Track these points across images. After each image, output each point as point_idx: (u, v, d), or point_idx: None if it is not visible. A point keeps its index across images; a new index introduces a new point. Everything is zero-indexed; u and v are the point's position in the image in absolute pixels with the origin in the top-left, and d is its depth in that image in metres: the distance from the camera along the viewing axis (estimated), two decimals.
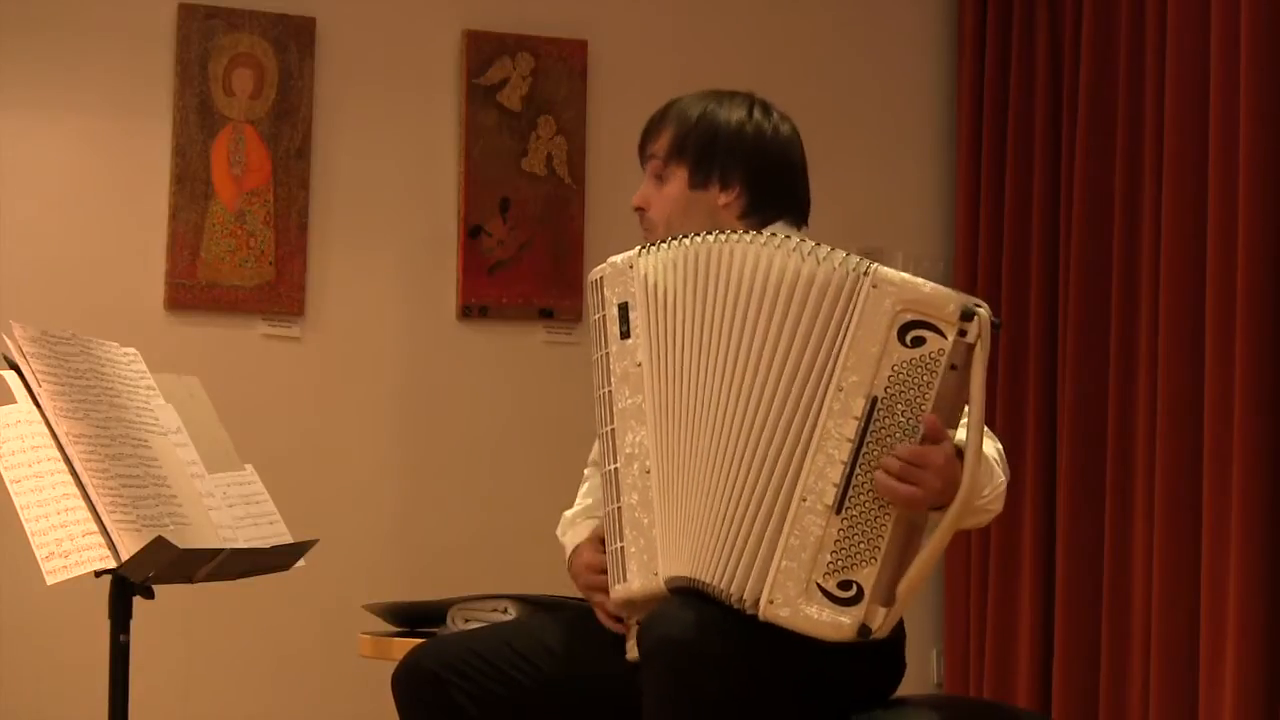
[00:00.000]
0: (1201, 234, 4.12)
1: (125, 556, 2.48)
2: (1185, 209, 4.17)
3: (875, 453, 2.33)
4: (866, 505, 2.33)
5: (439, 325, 4.65)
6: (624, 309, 2.49)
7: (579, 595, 2.73)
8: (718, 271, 2.44)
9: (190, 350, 4.31)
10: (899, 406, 2.33)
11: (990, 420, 4.65)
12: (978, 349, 2.33)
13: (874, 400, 2.33)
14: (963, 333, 2.32)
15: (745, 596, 2.33)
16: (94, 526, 2.49)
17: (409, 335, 4.63)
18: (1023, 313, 4.72)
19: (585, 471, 2.86)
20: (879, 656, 2.51)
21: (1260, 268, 3.94)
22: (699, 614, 2.34)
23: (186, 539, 2.59)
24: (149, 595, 2.58)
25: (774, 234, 2.45)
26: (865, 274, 2.35)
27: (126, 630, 2.58)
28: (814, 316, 2.37)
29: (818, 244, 2.41)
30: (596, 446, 2.63)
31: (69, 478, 2.52)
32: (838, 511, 2.32)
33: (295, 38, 4.55)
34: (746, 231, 2.47)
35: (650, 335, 2.47)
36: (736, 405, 2.39)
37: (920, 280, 2.35)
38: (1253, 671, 3.86)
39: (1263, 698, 3.87)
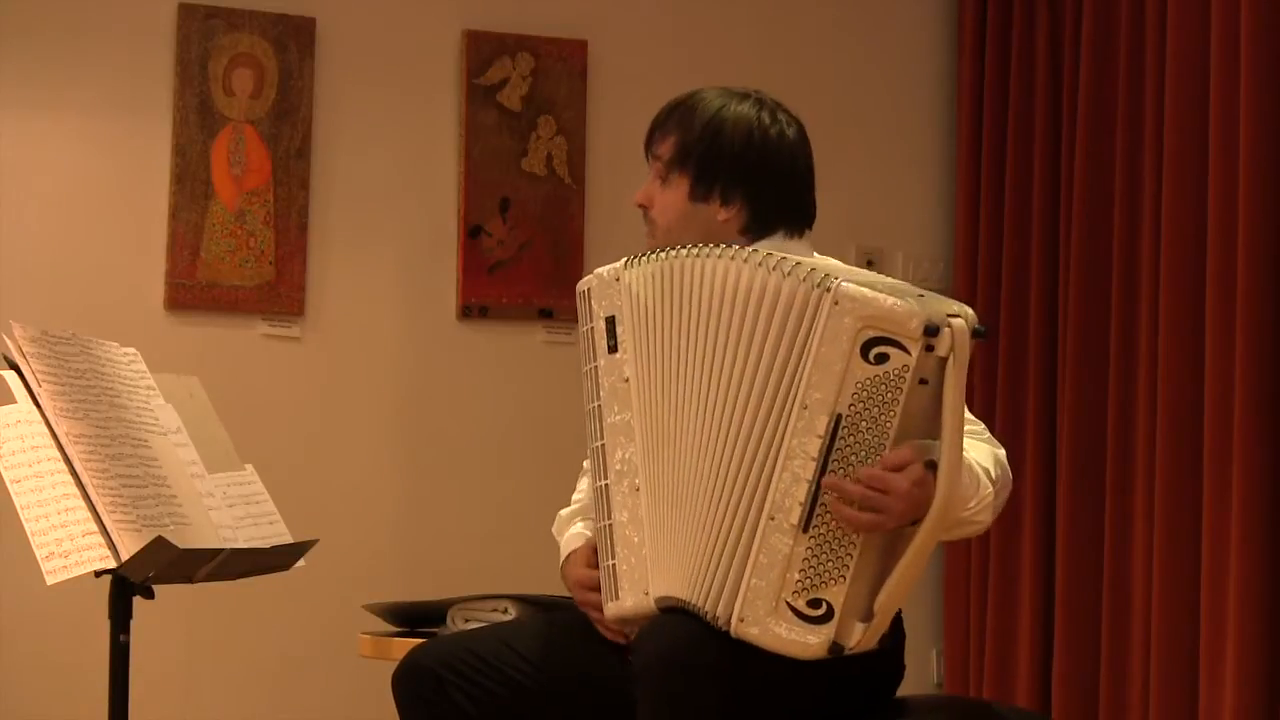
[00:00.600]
0: (1201, 234, 4.12)
1: (125, 556, 2.48)
2: (1185, 209, 4.17)
3: (840, 471, 2.31)
4: (834, 523, 2.32)
5: (439, 325, 4.65)
6: (611, 322, 2.49)
7: None
8: (690, 287, 2.43)
9: (190, 350, 4.31)
10: (863, 424, 2.31)
11: (990, 421, 4.68)
12: (951, 362, 2.29)
13: (838, 418, 2.30)
14: (930, 347, 2.28)
15: (719, 615, 2.34)
16: (94, 526, 2.49)
17: (409, 335, 4.63)
18: (1023, 313, 4.72)
19: (585, 464, 2.85)
20: (877, 660, 2.51)
21: (1260, 268, 3.94)
22: (691, 629, 2.34)
23: (186, 539, 2.59)
24: (149, 595, 2.58)
25: (745, 247, 2.43)
26: (827, 290, 2.32)
27: (126, 630, 2.58)
28: (780, 333, 2.35)
29: (784, 257, 2.38)
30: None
31: (69, 478, 2.52)
32: (804, 530, 2.31)
33: (295, 38, 4.55)
34: (730, 246, 2.44)
35: (636, 350, 2.47)
36: (709, 423, 2.39)
37: (882, 295, 2.30)
38: (1253, 671, 3.86)
39: (1263, 698, 3.87)
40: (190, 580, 2.67)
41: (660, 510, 2.42)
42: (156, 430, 2.74)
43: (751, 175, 2.63)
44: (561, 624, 2.69)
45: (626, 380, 2.46)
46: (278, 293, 4.50)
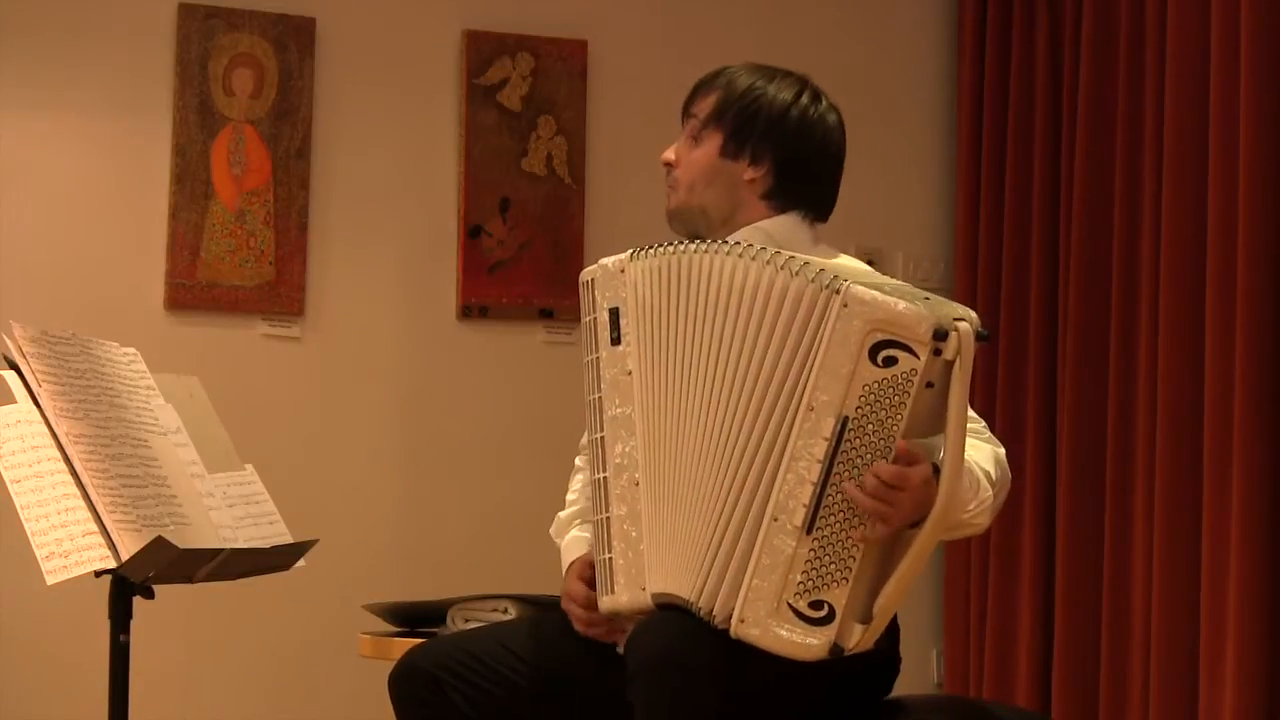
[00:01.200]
0: (1201, 234, 4.12)
1: (125, 556, 2.48)
2: (1185, 209, 4.17)
3: (845, 473, 2.31)
4: (837, 525, 2.31)
5: (439, 325, 4.65)
6: (614, 314, 2.49)
7: None
8: (697, 282, 2.42)
9: (190, 350, 4.31)
10: (870, 427, 2.30)
11: (990, 421, 4.66)
12: (957, 366, 2.29)
13: (844, 420, 2.30)
14: (937, 351, 2.28)
15: (717, 614, 2.33)
16: (94, 526, 2.49)
17: (409, 335, 4.63)
18: (1023, 313, 4.72)
19: (576, 461, 2.84)
20: (873, 658, 2.51)
21: (1260, 268, 3.94)
22: (685, 627, 2.34)
23: (186, 539, 2.59)
24: (149, 595, 2.58)
25: (749, 244, 2.43)
26: (836, 292, 2.31)
27: (126, 630, 2.58)
28: (785, 333, 2.35)
29: (793, 256, 2.38)
30: (586, 435, 2.62)
31: (69, 478, 2.52)
32: (808, 532, 2.31)
33: (295, 38, 4.55)
34: (738, 244, 2.45)
35: (640, 344, 2.46)
36: (713, 421, 2.38)
37: (892, 299, 2.30)
38: (1253, 671, 3.86)
39: (1263, 698, 3.87)
40: (190, 580, 2.67)
41: (660, 507, 2.42)
42: (156, 430, 2.74)
43: (786, 141, 2.64)
44: (558, 624, 2.69)
45: (629, 373, 2.46)
46: (278, 293, 4.50)
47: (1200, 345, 4.09)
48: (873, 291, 2.31)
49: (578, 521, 2.75)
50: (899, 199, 5.04)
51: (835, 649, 2.31)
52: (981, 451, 2.50)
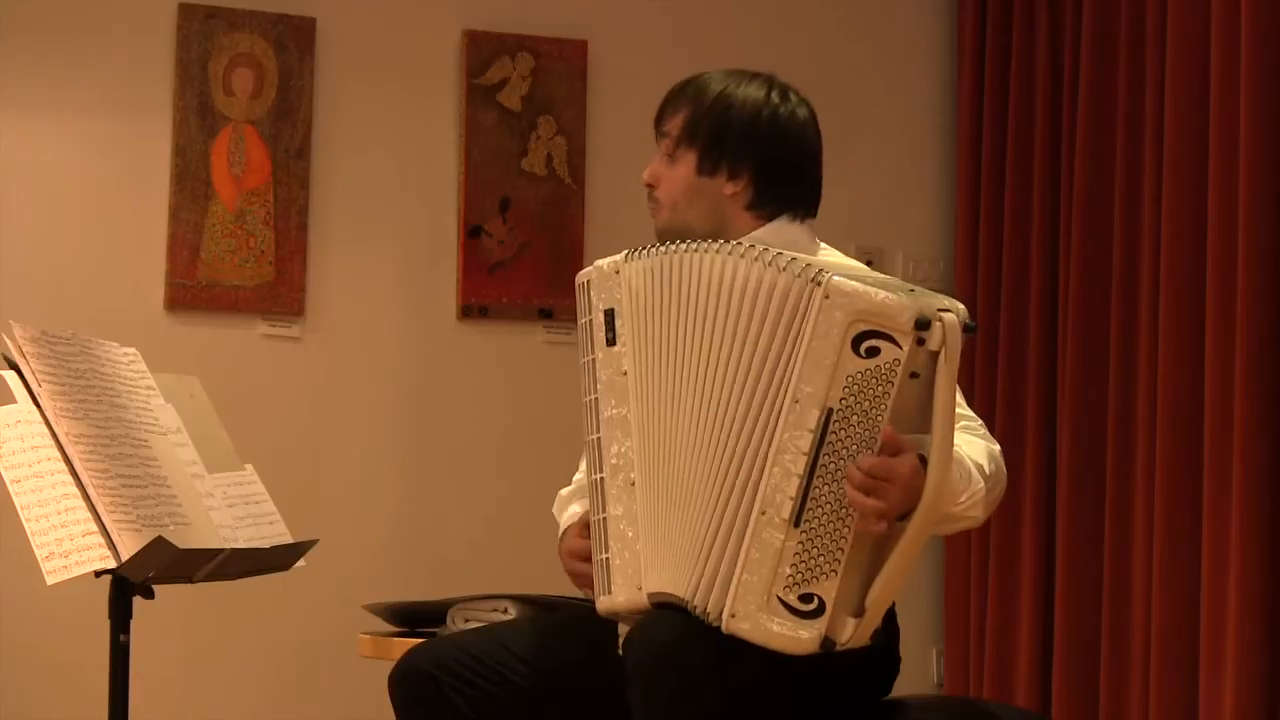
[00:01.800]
0: (1201, 234, 4.12)
1: (125, 556, 2.48)
2: (1185, 209, 4.17)
3: (831, 465, 2.31)
4: (825, 518, 2.31)
5: (439, 325, 4.65)
6: (610, 315, 2.49)
7: (578, 595, 2.74)
8: (686, 281, 2.43)
9: (190, 350, 4.31)
10: (854, 418, 2.31)
11: (990, 421, 4.67)
12: (942, 356, 2.29)
13: (829, 412, 2.31)
14: (921, 341, 2.28)
15: (710, 611, 2.34)
16: (94, 526, 2.49)
17: (409, 335, 4.63)
18: (1023, 313, 4.72)
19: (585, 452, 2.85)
20: (871, 655, 2.51)
21: (1260, 268, 3.94)
22: (682, 626, 2.34)
23: (186, 539, 2.59)
24: (149, 595, 2.59)
25: (744, 238, 2.44)
26: (818, 284, 2.32)
27: (126, 630, 2.58)
28: (773, 326, 2.35)
29: (780, 252, 2.38)
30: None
31: (69, 478, 2.52)
32: (796, 524, 2.31)
33: (295, 38, 4.54)
34: (726, 242, 2.45)
35: (635, 344, 2.47)
36: (703, 418, 2.39)
37: (874, 289, 2.31)
38: (1253, 672, 3.86)
39: (1263, 698, 3.87)
40: (190, 580, 2.67)
41: (655, 506, 2.42)
42: (156, 430, 2.74)
43: (761, 149, 2.63)
44: (558, 624, 2.69)
45: (624, 374, 2.47)
46: (278, 293, 4.50)
47: (1200, 345, 4.09)
48: (854, 283, 2.32)
49: (578, 499, 2.75)
50: (899, 199, 5.04)
51: (827, 642, 2.31)
52: (975, 446, 2.50)
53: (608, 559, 2.45)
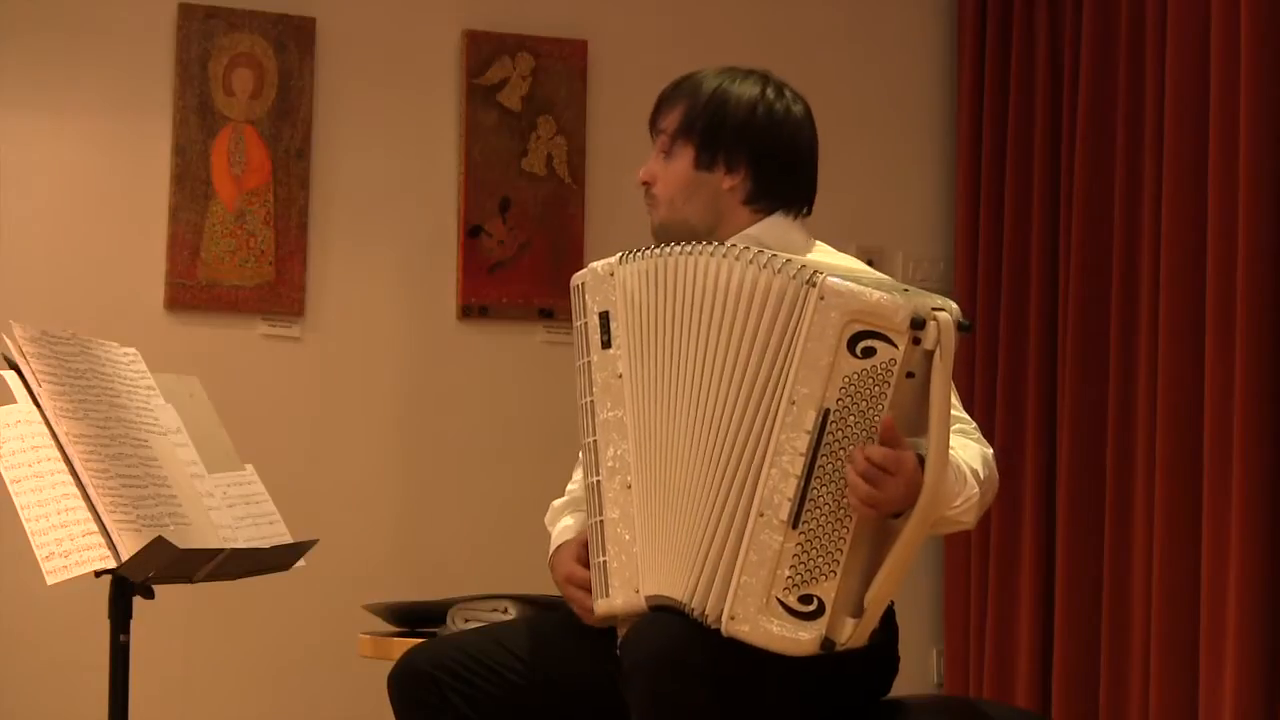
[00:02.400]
0: (1201, 234, 4.12)
1: (125, 556, 2.48)
2: (1185, 209, 4.17)
3: (829, 466, 2.31)
4: (823, 519, 2.32)
5: (439, 325, 4.65)
6: (605, 318, 2.50)
7: None
8: (681, 284, 2.43)
9: (190, 350, 4.31)
10: (851, 418, 2.31)
11: (990, 421, 4.69)
12: (937, 355, 2.30)
13: (825, 412, 2.31)
14: (916, 340, 2.29)
15: (709, 613, 2.34)
16: (94, 526, 2.49)
17: (409, 335, 4.63)
18: (1023, 314, 4.72)
19: (581, 455, 2.85)
20: (870, 655, 2.51)
21: (1260, 268, 3.94)
22: (679, 627, 2.35)
23: (186, 539, 2.59)
24: (149, 595, 2.58)
25: (735, 244, 2.44)
26: (812, 285, 2.32)
27: (126, 630, 2.58)
28: (769, 328, 2.35)
29: (774, 254, 2.39)
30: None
31: (69, 478, 2.52)
32: (794, 526, 2.31)
33: (295, 38, 4.55)
34: (721, 244, 2.45)
35: (630, 347, 2.47)
36: (699, 421, 2.39)
37: (868, 290, 2.31)
38: (1253, 671, 3.86)
39: (1263, 698, 3.87)
40: (190, 580, 2.67)
41: (652, 508, 2.42)
42: (156, 430, 2.74)
43: (757, 143, 2.64)
44: (557, 624, 2.69)
45: (620, 376, 2.47)
46: (278, 293, 4.50)
47: (1200, 345, 4.09)
48: (848, 283, 2.32)
49: (569, 510, 2.75)
50: (899, 199, 5.04)
51: (826, 643, 2.31)
52: (969, 450, 2.49)
53: (605, 562, 2.45)
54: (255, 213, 4.49)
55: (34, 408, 2.57)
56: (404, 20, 4.66)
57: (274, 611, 4.35)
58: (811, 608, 2.31)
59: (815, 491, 2.31)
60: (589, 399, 2.49)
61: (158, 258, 4.42)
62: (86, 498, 2.51)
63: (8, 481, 2.51)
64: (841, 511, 2.32)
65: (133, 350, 2.85)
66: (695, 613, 2.35)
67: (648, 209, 2.73)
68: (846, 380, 2.31)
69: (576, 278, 2.55)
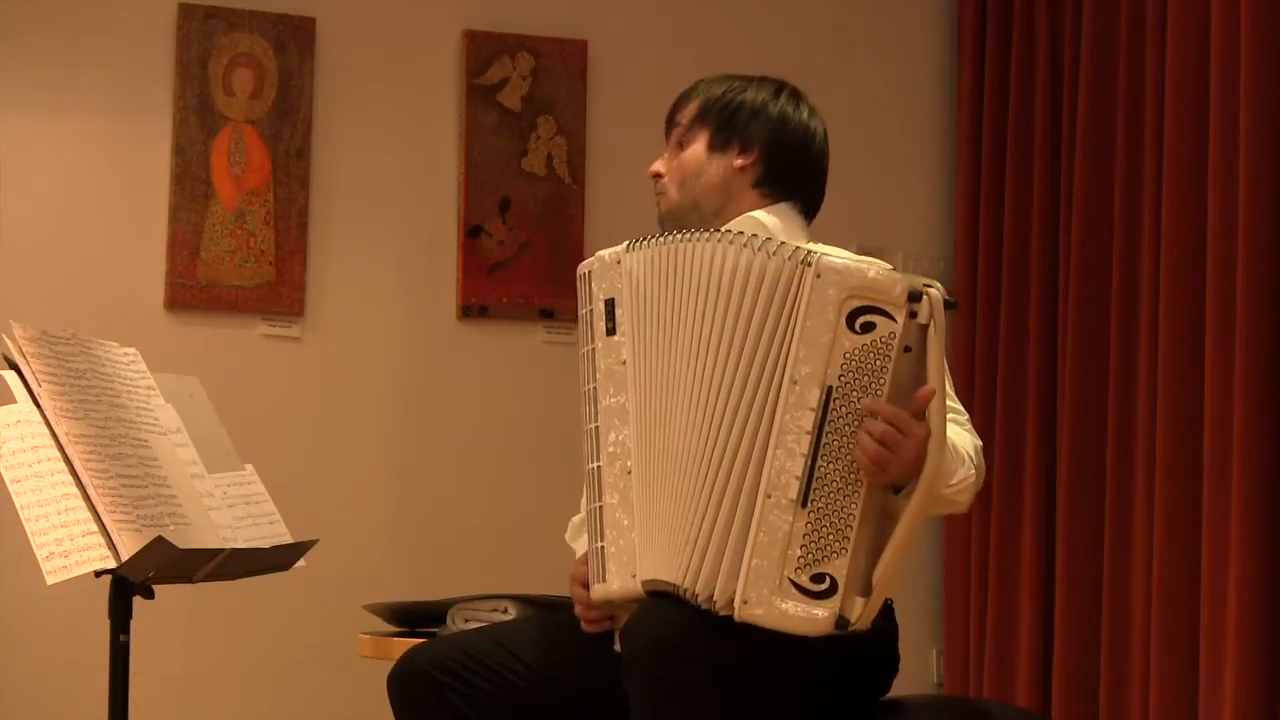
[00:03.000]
0: (1201, 233, 4.12)
1: (125, 556, 2.48)
2: (1185, 209, 4.17)
3: (834, 444, 2.32)
4: (832, 496, 2.32)
5: (439, 325, 4.65)
6: (610, 305, 2.50)
7: None
8: (683, 270, 2.44)
9: (190, 350, 4.31)
10: (854, 394, 2.32)
11: (990, 420, 4.69)
12: (932, 330, 2.32)
13: (829, 390, 2.32)
14: (913, 314, 2.31)
15: (718, 598, 2.33)
16: (94, 526, 2.49)
17: (409, 335, 4.63)
18: (1023, 313, 4.72)
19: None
20: (869, 651, 2.51)
21: (1260, 268, 3.94)
22: (678, 615, 2.34)
23: (186, 539, 2.59)
24: (149, 595, 2.58)
25: (741, 232, 2.45)
26: (808, 264, 2.35)
27: (126, 630, 2.58)
28: (765, 311, 2.37)
29: (768, 239, 2.41)
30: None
31: (69, 478, 2.52)
32: (803, 505, 2.32)
33: (295, 38, 4.55)
34: (723, 231, 2.46)
35: (634, 334, 2.47)
36: (700, 406, 2.40)
37: (865, 265, 2.35)
38: (1253, 671, 3.86)
39: (1263, 698, 3.87)
40: (190, 580, 2.67)
41: (652, 493, 2.42)
42: (156, 430, 2.74)
43: (772, 129, 2.69)
44: (557, 624, 2.69)
45: (623, 363, 2.47)
46: (278, 293, 4.50)
47: (1200, 345, 4.09)
48: (844, 260, 2.35)
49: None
50: (899, 199, 5.05)
51: (841, 621, 2.30)
52: (962, 437, 2.51)
53: (602, 547, 2.45)
54: (255, 213, 4.49)
55: (34, 408, 2.57)
56: (404, 20, 4.66)
57: (274, 611, 4.35)
58: (824, 586, 2.31)
59: (822, 469, 2.32)
60: (592, 386, 2.50)
61: (158, 258, 4.42)
62: (86, 498, 2.51)
63: (8, 481, 2.51)
64: (849, 488, 2.32)
65: (133, 350, 2.85)
66: (700, 598, 2.34)
67: (657, 199, 2.77)
68: (847, 356, 2.32)
69: (583, 266, 2.55)
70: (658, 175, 2.77)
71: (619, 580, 2.43)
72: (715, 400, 2.38)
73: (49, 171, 4.38)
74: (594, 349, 2.51)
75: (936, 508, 2.47)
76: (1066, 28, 4.68)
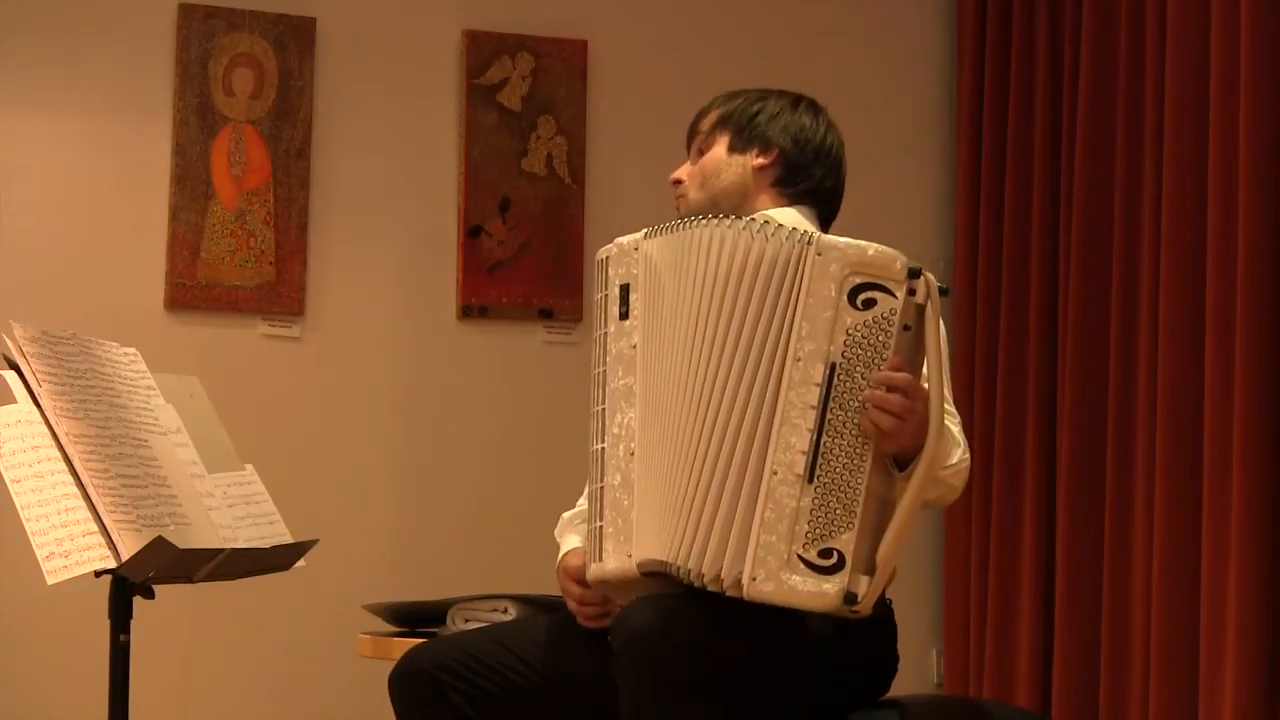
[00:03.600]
0: (1201, 233, 4.12)
1: (125, 556, 2.48)
2: (1185, 208, 4.17)
3: (839, 419, 2.34)
4: (838, 471, 2.34)
5: (439, 325, 4.65)
6: (625, 290, 2.51)
7: None
8: (691, 254, 2.46)
9: (190, 350, 4.31)
10: (858, 369, 2.35)
11: (990, 420, 4.69)
12: (929, 309, 2.35)
13: (833, 366, 2.34)
14: (912, 291, 2.34)
15: (724, 576, 2.33)
16: (94, 526, 2.49)
17: (409, 335, 4.63)
18: (1023, 314, 4.72)
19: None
20: (869, 651, 2.51)
21: (1260, 268, 3.94)
22: (669, 606, 2.35)
23: (187, 539, 2.59)
24: (149, 595, 2.58)
25: (738, 217, 2.46)
26: (809, 243, 2.38)
27: (126, 630, 2.58)
28: (765, 289, 2.39)
29: (768, 222, 2.44)
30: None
31: (69, 478, 2.52)
32: (810, 480, 2.33)
33: (295, 38, 4.55)
34: (730, 217, 2.47)
35: (645, 318, 2.49)
36: (704, 388, 2.41)
37: (865, 242, 2.38)
38: (1253, 672, 3.86)
39: (1263, 698, 3.87)
40: (190, 580, 2.67)
41: (653, 474, 2.42)
42: (156, 430, 2.74)
43: (790, 131, 2.76)
44: (558, 624, 2.69)
45: (634, 346, 2.48)
46: (278, 293, 4.50)
47: (1200, 345, 4.09)
48: (844, 238, 2.40)
49: (578, 522, 2.75)
50: (899, 199, 5.04)
51: (849, 596, 2.31)
52: (955, 430, 2.52)
53: (601, 527, 2.45)
54: (255, 213, 4.49)
55: (34, 408, 2.57)
56: (404, 20, 4.67)
57: (274, 611, 4.35)
58: (832, 561, 2.31)
59: (827, 445, 2.34)
60: (601, 369, 2.51)
61: (158, 258, 4.42)
62: (86, 498, 2.51)
63: (8, 481, 2.51)
64: (855, 463, 2.34)
65: (133, 350, 2.85)
66: (706, 578, 2.34)
67: (676, 204, 2.82)
68: (850, 332, 2.35)
69: (601, 252, 2.57)
70: (678, 182, 2.82)
71: (615, 560, 2.43)
72: (718, 380, 2.39)
73: (49, 172, 4.39)
74: (606, 333, 2.51)
75: (933, 490, 2.47)
76: (1066, 27, 4.68)
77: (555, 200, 4.73)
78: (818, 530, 2.32)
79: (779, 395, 2.35)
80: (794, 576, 2.31)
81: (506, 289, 4.68)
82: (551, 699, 2.62)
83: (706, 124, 2.81)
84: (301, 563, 2.84)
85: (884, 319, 2.34)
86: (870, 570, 2.33)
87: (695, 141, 2.82)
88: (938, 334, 2.36)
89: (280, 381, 4.51)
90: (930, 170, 5.10)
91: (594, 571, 2.46)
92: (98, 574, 2.51)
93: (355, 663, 3.37)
